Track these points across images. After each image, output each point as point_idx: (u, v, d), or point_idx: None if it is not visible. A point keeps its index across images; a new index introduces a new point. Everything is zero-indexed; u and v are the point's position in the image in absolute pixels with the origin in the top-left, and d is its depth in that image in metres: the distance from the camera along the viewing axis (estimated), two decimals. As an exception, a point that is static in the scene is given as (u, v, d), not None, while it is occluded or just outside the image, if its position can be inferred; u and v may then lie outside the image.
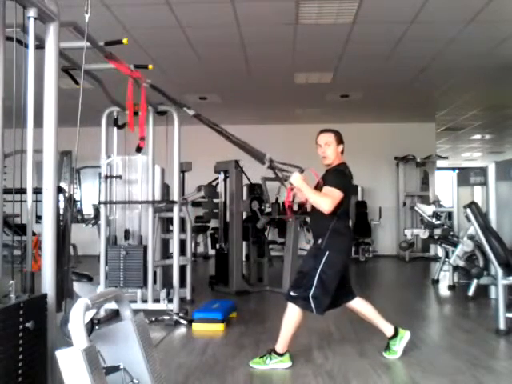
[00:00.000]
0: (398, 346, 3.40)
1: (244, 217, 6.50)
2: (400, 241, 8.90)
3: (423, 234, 7.03)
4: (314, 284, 3.14)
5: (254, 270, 6.54)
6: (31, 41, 2.04)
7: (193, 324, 4.27)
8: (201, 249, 9.98)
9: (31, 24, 2.01)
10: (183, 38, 5.37)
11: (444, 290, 6.33)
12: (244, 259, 6.53)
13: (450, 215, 7.28)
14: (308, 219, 6.52)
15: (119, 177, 4.62)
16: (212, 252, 8.78)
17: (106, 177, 4.59)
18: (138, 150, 3.88)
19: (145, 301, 4.48)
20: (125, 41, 2.96)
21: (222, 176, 6.78)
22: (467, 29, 5.11)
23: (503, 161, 6.48)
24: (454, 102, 8.68)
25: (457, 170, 7.84)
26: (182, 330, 4.26)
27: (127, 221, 4.67)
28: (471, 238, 5.44)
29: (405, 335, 3.43)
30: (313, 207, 3.28)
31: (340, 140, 3.35)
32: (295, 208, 4.56)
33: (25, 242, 2.11)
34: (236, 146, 3.20)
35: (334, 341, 3.85)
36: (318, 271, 3.15)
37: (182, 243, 5.14)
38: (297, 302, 3.18)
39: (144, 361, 2.12)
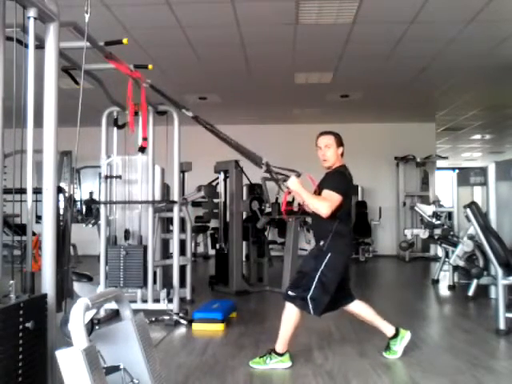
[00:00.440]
0: (399, 346, 3.40)
1: (244, 217, 6.50)
2: (400, 241, 8.90)
3: (423, 233, 7.03)
4: (314, 285, 3.14)
5: (253, 270, 6.54)
6: (31, 41, 2.04)
7: (193, 324, 4.27)
8: (201, 249, 9.98)
9: (31, 24, 2.01)
10: (183, 38, 5.37)
11: (444, 289, 6.33)
12: (244, 259, 6.53)
13: (449, 215, 7.28)
14: (308, 219, 6.53)
15: (119, 177, 4.62)
16: (212, 252, 8.78)
17: (106, 177, 4.59)
18: (141, 150, 3.89)
19: (145, 301, 4.48)
20: (125, 41, 2.96)
21: (221, 176, 6.78)
22: (467, 29, 5.11)
23: (503, 161, 6.48)
24: (453, 102, 8.68)
25: (457, 170, 7.84)
26: (182, 330, 4.26)
27: (127, 221, 4.67)
28: (471, 238, 5.44)
29: (406, 335, 3.42)
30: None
31: (340, 142, 3.35)
32: (295, 208, 4.57)
33: (25, 242, 2.11)
34: (234, 149, 3.20)
35: (334, 341, 3.85)
36: (319, 273, 3.15)
37: (182, 243, 5.14)
38: (295, 302, 3.18)
39: (144, 361, 2.12)
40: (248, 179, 6.58)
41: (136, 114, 3.40)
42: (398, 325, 3.49)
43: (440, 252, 7.51)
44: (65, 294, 2.29)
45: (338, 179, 3.24)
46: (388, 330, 3.43)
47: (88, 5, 2.34)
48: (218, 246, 7.10)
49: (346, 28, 5.13)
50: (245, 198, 6.92)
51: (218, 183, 7.23)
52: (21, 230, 2.34)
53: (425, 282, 7.23)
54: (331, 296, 3.19)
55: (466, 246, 5.52)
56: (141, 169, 4.68)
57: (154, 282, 4.60)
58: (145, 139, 3.64)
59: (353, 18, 4.84)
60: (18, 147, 1.99)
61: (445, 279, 6.73)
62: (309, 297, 3.13)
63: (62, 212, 2.45)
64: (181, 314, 4.49)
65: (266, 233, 6.91)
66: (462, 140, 12.87)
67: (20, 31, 2.07)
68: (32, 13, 1.99)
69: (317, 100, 8.47)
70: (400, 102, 8.68)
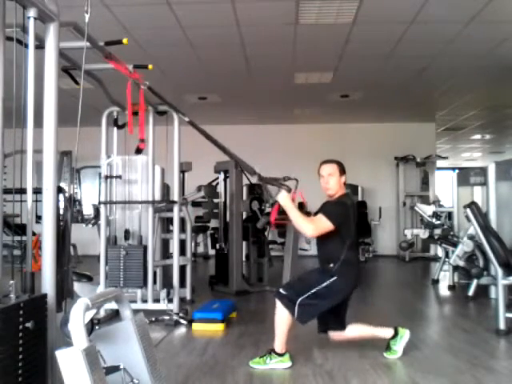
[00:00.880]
0: (399, 346, 3.40)
1: (244, 217, 6.50)
2: (400, 241, 8.90)
3: (423, 233, 7.03)
4: (307, 294, 3.13)
5: (253, 270, 6.54)
6: (31, 41, 2.04)
7: (193, 324, 4.27)
8: (201, 249, 9.98)
9: (31, 24, 2.01)
10: (183, 38, 5.37)
11: (444, 289, 6.33)
12: (244, 259, 6.53)
13: (450, 215, 7.28)
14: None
15: (119, 177, 4.62)
16: (212, 252, 8.78)
17: (106, 177, 4.59)
18: (138, 151, 3.87)
19: (145, 301, 4.48)
20: (125, 41, 2.96)
21: (221, 176, 6.78)
22: (467, 29, 5.12)
23: (503, 161, 6.48)
24: (453, 102, 8.68)
25: (457, 170, 7.84)
26: (182, 330, 4.26)
27: (127, 221, 4.66)
28: (471, 238, 5.44)
29: (405, 334, 3.42)
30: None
31: (343, 170, 3.33)
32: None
33: (25, 242, 2.11)
34: (228, 156, 3.21)
35: (334, 341, 3.85)
36: (318, 287, 3.15)
37: (182, 243, 5.13)
38: (282, 300, 3.17)
39: (144, 361, 2.12)
40: (248, 179, 6.58)
41: (135, 114, 3.38)
42: (398, 325, 3.49)
43: (440, 252, 7.51)
44: (65, 293, 2.29)
45: (336, 209, 3.23)
46: (387, 333, 3.43)
47: (88, 5, 2.33)
48: (217, 245, 7.10)
49: (346, 28, 5.13)
50: (245, 197, 6.92)
51: (217, 183, 7.23)
52: (21, 230, 2.34)
53: (425, 282, 7.23)
54: (319, 313, 3.22)
55: (466, 245, 5.52)
56: (141, 169, 4.68)
57: (154, 281, 4.60)
58: (142, 141, 3.61)
59: (353, 17, 4.84)
60: (18, 147, 1.99)
61: (445, 279, 6.73)
62: (298, 302, 3.12)
63: (62, 212, 2.45)
64: (181, 314, 4.49)
65: (265, 233, 6.91)
66: (461, 140, 12.87)
67: (20, 31, 2.07)
68: (32, 13, 1.99)
69: (317, 100, 8.47)
70: (400, 101, 8.68)
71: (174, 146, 4.73)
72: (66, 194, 2.48)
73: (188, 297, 5.36)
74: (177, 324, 4.38)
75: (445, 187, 10.90)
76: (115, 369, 2.00)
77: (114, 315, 4.31)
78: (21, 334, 1.82)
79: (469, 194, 7.45)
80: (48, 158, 2.14)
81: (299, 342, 3.61)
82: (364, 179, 10.03)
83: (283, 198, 3.17)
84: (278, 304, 3.19)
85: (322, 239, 3.25)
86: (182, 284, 5.09)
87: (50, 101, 2.15)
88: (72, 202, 2.59)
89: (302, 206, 3.37)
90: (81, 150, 2.27)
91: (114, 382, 1.96)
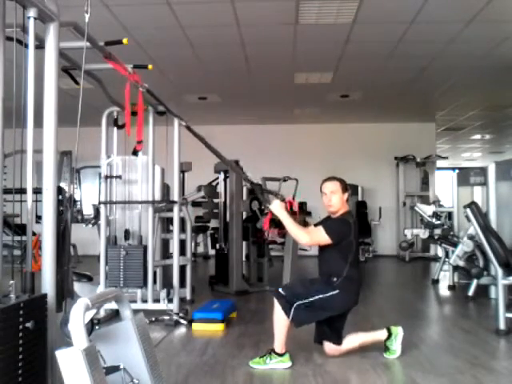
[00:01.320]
0: (396, 344, 3.40)
1: (244, 217, 6.50)
2: (400, 241, 8.90)
3: (423, 233, 7.03)
4: (306, 300, 3.15)
5: (253, 270, 6.54)
6: (31, 41, 2.04)
7: (193, 324, 4.27)
8: (201, 249, 9.98)
9: (31, 24, 2.01)
10: (183, 38, 5.37)
11: (444, 289, 6.33)
12: (244, 259, 6.53)
13: (450, 215, 7.28)
14: (308, 219, 6.52)
15: (119, 177, 4.62)
16: (212, 252, 8.77)
17: (106, 177, 4.59)
18: (135, 153, 3.85)
19: (145, 301, 4.48)
20: (125, 41, 2.96)
21: (221, 176, 6.78)
22: (467, 29, 5.12)
23: (503, 161, 6.49)
24: (454, 102, 8.68)
25: (457, 170, 7.84)
26: (182, 330, 4.26)
27: (127, 221, 4.67)
28: (471, 238, 5.44)
29: (398, 332, 3.42)
30: (322, 247, 3.29)
31: (345, 188, 3.35)
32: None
33: (25, 242, 2.11)
34: (223, 162, 3.22)
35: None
36: (319, 296, 3.17)
37: (182, 243, 5.14)
38: (279, 299, 3.18)
39: (144, 361, 2.12)
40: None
41: (134, 114, 3.38)
42: (398, 325, 3.50)
43: (440, 252, 7.51)
44: (65, 294, 2.29)
45: (339, 227, 3.25)
46: (381, 335, 3.43)
47: (88, 5, 2.33)
48: (217, 245, 7.10)
49: (346, 28, 5.13)
50: (245, 197, 6.92)
51: (217, 183, 7.23)
52: (21, 230, 2.33)
53: (425, 281, 7.23)
54: (317, 323, 3.26)
55: (466, 245, 5.52)
56: (141, 169, 4.68)
57: (154, 281, 4.60)
58: (139, 142, 3.60)
59: (353, 18, 4.84)
60: (18, 147, 1.98)
61: (445, 279, 6.73)
62: (295, 305, 3.13)
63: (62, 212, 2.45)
64: (181, 314, 4.49)
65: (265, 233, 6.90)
66: (461, 140, 12.87)
67: (20, 31, 2.07)
68: (32, 13, 1.99)
69: (317, 100, 8.47)
70: (400, 101, 8.68)
71: (173, 146, 4.74)
72: (66, 194, 2.48)
73: (188, 297, 5.36)
74: (177, 324, 4.38)
75: (445, 187, 10.90)
76: (115, 369, 2.00)
77: (114, 315, 4.31)
78: (21, 334, 1.82)
79: (469, 194, 7.44)
80: (48, 157, 2.14)
81: (299, 342, 3.61)
82: (364, 179, 10.03)
83: (276, 208, 3.20)
84: (276, 304, 3.20)
85: (325, 255, 3.29)
86: (182, 284, 5.09)
87: (50, 101, 2.15)
88: (72, 202, 2.59)
89: (295, 214, 3.39)
90: (81, 149, 2.27)
91: (113, 382, 1.96)
